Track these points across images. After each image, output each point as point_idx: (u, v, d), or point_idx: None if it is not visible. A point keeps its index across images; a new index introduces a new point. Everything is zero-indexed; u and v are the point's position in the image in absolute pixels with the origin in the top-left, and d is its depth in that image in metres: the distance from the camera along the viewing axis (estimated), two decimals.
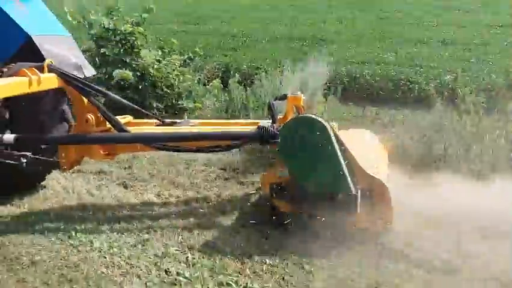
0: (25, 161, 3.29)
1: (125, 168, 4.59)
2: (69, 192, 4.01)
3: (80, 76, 3.53)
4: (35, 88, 3.06)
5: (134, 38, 5.76)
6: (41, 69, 3.14)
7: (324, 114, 5.47)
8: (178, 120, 3.86)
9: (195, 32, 17.47)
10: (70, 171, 4.42)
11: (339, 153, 3.00)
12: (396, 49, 10.90)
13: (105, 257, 2.97)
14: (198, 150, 3.49)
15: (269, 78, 5.86)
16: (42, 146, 3.58)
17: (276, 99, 3.66)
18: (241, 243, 3.14)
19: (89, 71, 3.79)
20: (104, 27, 5.71)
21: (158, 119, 3.84)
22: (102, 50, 5.71)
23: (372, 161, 3.46)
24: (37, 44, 3.44)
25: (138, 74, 5.67)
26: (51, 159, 3.55)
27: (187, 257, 2.98)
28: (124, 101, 3.81)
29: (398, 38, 12.60)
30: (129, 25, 5.72)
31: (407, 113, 6.52)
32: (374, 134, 4.27)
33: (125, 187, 4.17)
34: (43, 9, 3.86)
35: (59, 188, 4.08)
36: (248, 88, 6.07)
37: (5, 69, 3.00)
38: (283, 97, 3.57)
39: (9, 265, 2.86)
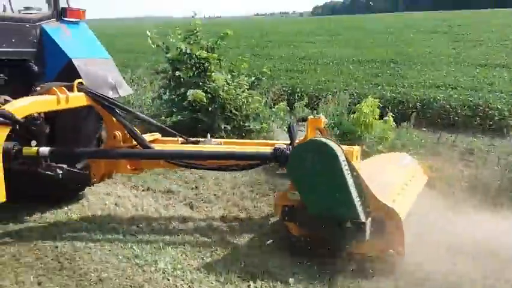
0: (61, 172, 3.41)
1: (192, 189, 4.66)
2: (138, 210, 4.12)
3: (115, 95, 3.89)
4: (63, 105, 3.32)
5: (208, 63, 5.90)
6: (70, 89, 3.39)
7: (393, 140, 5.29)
8: (201, 139, 3.94)
9: (264, 55, 17.77)
10: (140, 189, 4.62)
11: (348, 179, 2.89)
12: (474, 73, 10.36)
13: (168, 279, 2.98)
14: (213, 168, 3.64)
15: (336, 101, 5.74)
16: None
17: (298, 121, 3.55)
18: (305, 275, 3.01)
19: (125, 91, 4.16)
20: (180, 51, 5.90)
21: (182, 137, 3.94)
22: (177, 73, 5.91)
23: (396, 186, 3.37)
24: (76, 65, 3.77)
25: (209, 96, 5.78)
26: (85, 172, 3.76)
27: (249, 285, 2.90)
28: (151, 120, 4.14)
29: (475, 61, 12.00)
30: (204, 51, 5.88)
31: (486, 141, 6.12)
32: (413, 158, 4.26)
33: (191, 207, 4.22)
34: (87, 34, 4.26)
35: (130, 205, 4.21)
36: (314, 111, 5.99)
37: (38, 88, 3.28)
38: (305, 119, 3.45)
39: (78, 280, 2.95)
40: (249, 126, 5.98)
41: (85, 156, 3.77)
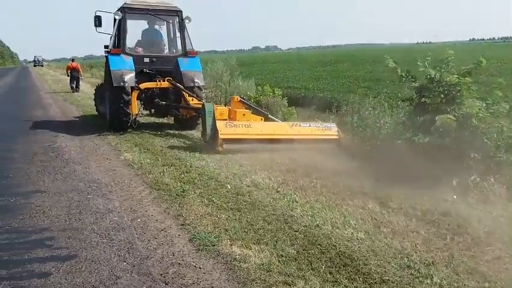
0: (174, 113, 10.47)
1: None
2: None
3: (192, 85, 9.81)
4: (159, 85, 9.81)
5: (458, 89, 5.88)
6: (164, 81, 9.74)
7: None
8: (203, 102, 9.10)
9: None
10: None
11: (207, 119, 7.85)
12: None
13: None
14: (191, 111, 9.73)
15: None
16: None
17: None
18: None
19: (199, 82, 9.97)
20: (429, 78, 6.03)
21: (200, 101, 9.51)
22: (423, 100, 6.04)
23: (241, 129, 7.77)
24: (182, 73, 9.90)
25: (458, 122, 5.72)
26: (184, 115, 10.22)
27: None
28: (191, 93, 9.79)
29: None
30: (455, 76, 5.88)
31: None
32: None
33: None
34: (195, 61, 10.16)
35: None
36: None
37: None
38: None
39: (364, 278, 3.34)
40: (500, 157, 5.67)
41: (175, 107, 10.04)
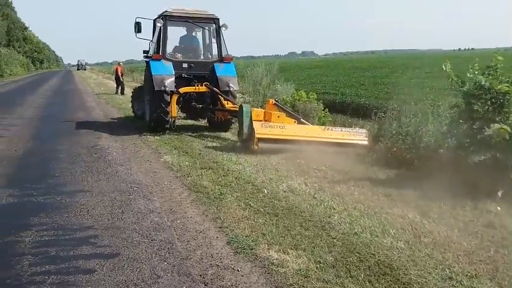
0: (208, 114, 11.05)
1: None
2: None
3: (227, 89, 10.19)
4: (197, 90, 10.24)
5: (508, 98, 5.66)
6: (202, 85, 10.16)
7: None
8: (241, 104, 9.55)
9: None
10: None
11: (244, 119, 8.27)
12: None
13: None
14: (229, 114, 10.18)
15: None
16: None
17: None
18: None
19: (234, 87, 10.36)
20: (478, 85, 5.84)
21: (235, 105, 9.95)
22: (475, 107, 5.83)
23: (276, 130, 8.11)
24: (218, 78, 10.29)
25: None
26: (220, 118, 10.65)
27: None
28: (228, 98, 10.21)
29: None
30: (505, 85, 5.68)
31: None
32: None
33: None
34: (230, 67, 10.53)
35: None
36: None
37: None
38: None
39: (403, 287, 3.28)
40: None
41: (211, 110, 10.67)
